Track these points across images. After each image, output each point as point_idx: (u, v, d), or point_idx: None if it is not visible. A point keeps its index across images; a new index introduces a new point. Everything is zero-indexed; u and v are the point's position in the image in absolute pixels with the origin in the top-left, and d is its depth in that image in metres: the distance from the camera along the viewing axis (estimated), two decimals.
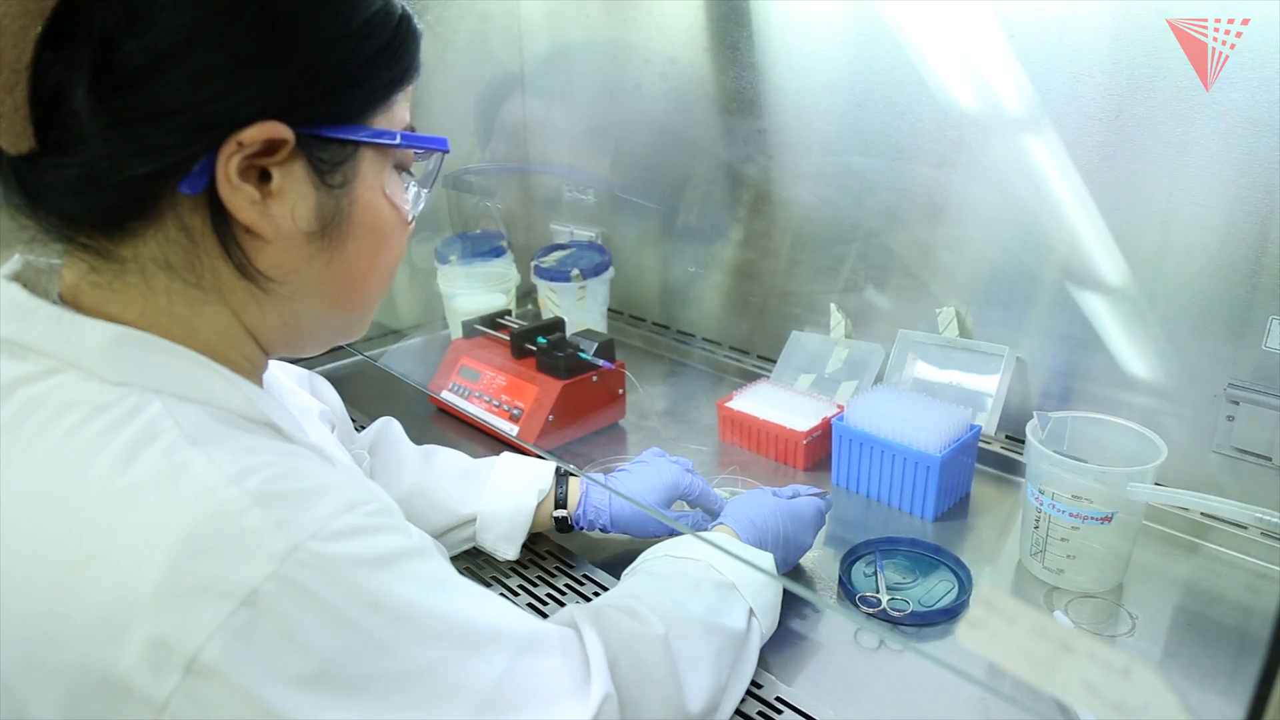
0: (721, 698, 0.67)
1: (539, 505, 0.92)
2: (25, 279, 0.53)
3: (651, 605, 0.65)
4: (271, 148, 0.49)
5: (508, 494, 0.92)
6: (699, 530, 0.94)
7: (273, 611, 0.43)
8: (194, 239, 0.50)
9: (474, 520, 0.92)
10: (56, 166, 0.48)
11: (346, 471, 0.59)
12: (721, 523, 0.84)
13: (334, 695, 0.44)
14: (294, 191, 0.51)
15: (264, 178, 0.50)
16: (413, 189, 0.60)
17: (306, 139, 0.51)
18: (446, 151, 0.60)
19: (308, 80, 0.50)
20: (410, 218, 0.60)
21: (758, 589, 0.75)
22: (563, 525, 0.94)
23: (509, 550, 0.92)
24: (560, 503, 0.94)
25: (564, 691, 0.55)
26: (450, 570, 0.54)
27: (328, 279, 0.55)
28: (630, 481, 0.94)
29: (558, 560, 0.95)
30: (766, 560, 0.78)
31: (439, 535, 0.92)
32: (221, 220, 0.50)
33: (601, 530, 0.94)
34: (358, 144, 0.53)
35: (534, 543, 0.98)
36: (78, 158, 0.47)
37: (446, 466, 0.95)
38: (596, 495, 0.94)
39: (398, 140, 0.55)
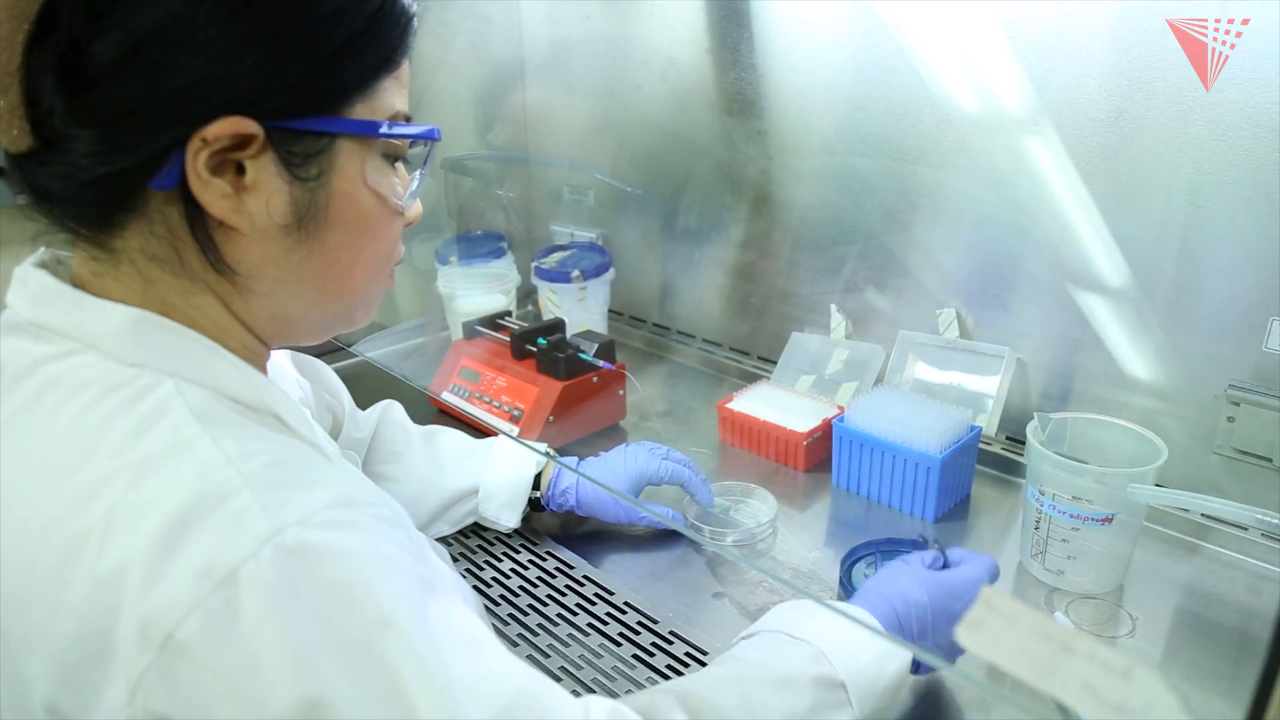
0: None
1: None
2: (50, 268, 0.54)
3: (703, 707, 0.57)
4: (242, 142, 0.49)
5: (508, 466, 0.96)
6: (673, 520, 0.98)
7: (251, 595, 0.42)
8: (174, 232, 0.51)
9: (476, 492, 0.96)
10: (45, 164, 0.49)
11: (348, 473, 0.59)
12: (864, 602, 0.69)
13: (305, 690, 0.42)
14: (267, 185, 0.51)
15: (240, 171, 0.50)
16: (408, 177, 0.59)
17: (277, 132, 0.50)
18: (437, 140, 0.58)
19: (271, 73, 0.49)
20: (401, 208, 0.58)
21: (872, 694, 0.62)
22: (535, 505, 0.98)
23: (511, 519, 0.96)
24: (536, 484, 0.98)
25: None
26: (463, 612, 0.51)
27: (309, 271, 0.55)
28: (598, 467, 0.98)
29: (558, 561, 0.95)
30: (900, 658, 0.65)
31: (444, 510, 0.96)
32: (196, 214, 0.50)
33: (572, 511, 0.98)
34: (333, 135, 0.52)
35: (535, 543, 0.98)
36: (63, 156, 0.49)
37: (448, 445, 0.99)
38: (566, 477, 0.97)
39: (377, 131, 0.54)
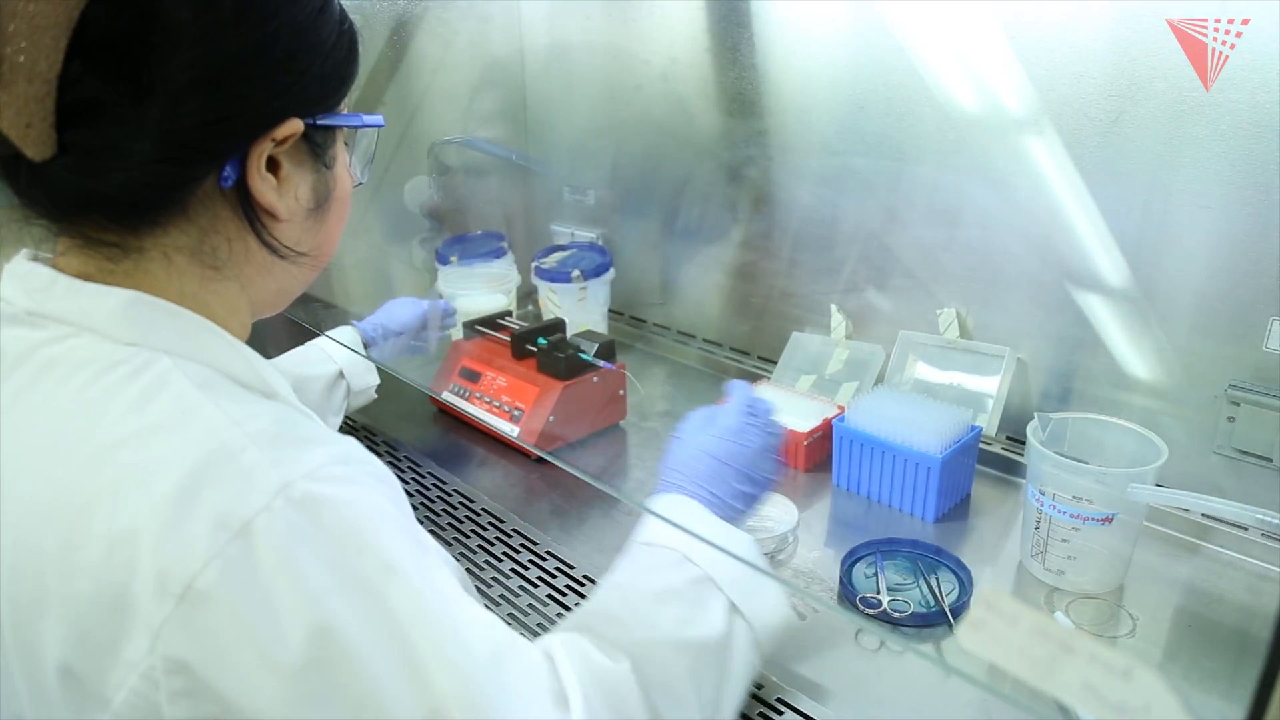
0: (714, 710, 0.64)
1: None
2: (42, 261, 0.57)
3: (617, 633, 0.62)
4: (283, 140, 0.56)
5: (337, 347, 1.14)
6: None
7: (266, 543, 0.45)
8: (219, 226, 0.57)
9: (342, 374, 1.12)
10: (94, 171, 0.51)
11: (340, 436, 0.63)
12: (673, 490, 0.75)
13: (319, 631, 0.45)
14: (297, 175, 0.59)
15: (271, 165, 0.57)
16: (360, 157, 0.69)
17: (309, 129, 0.58)
18: (383, 127, 0.69)
19: (317, 80, 0.58)
20: (359, 183, 0.69)
21: (739, 577, 0.68)
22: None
23: (373, 375, 1.16)
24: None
25: (545, 699, 0.54)
26: (445, 571, 0.54)
27: (316, 245, 0.64)
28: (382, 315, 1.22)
29: (558, 561, 0.95)
30: (745, 542, 0.71)
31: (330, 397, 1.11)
32: (248, 206, 0.57)
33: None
34: (337, 128, 0.62)
35: (535, 543, 0.98)
36: (127, 164, 0.51)
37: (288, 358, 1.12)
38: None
39: (363, 121, 0.64)
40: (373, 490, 0.51)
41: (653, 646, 0.62)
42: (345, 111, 0.63)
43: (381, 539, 0.49)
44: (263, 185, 0.56)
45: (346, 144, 0.66)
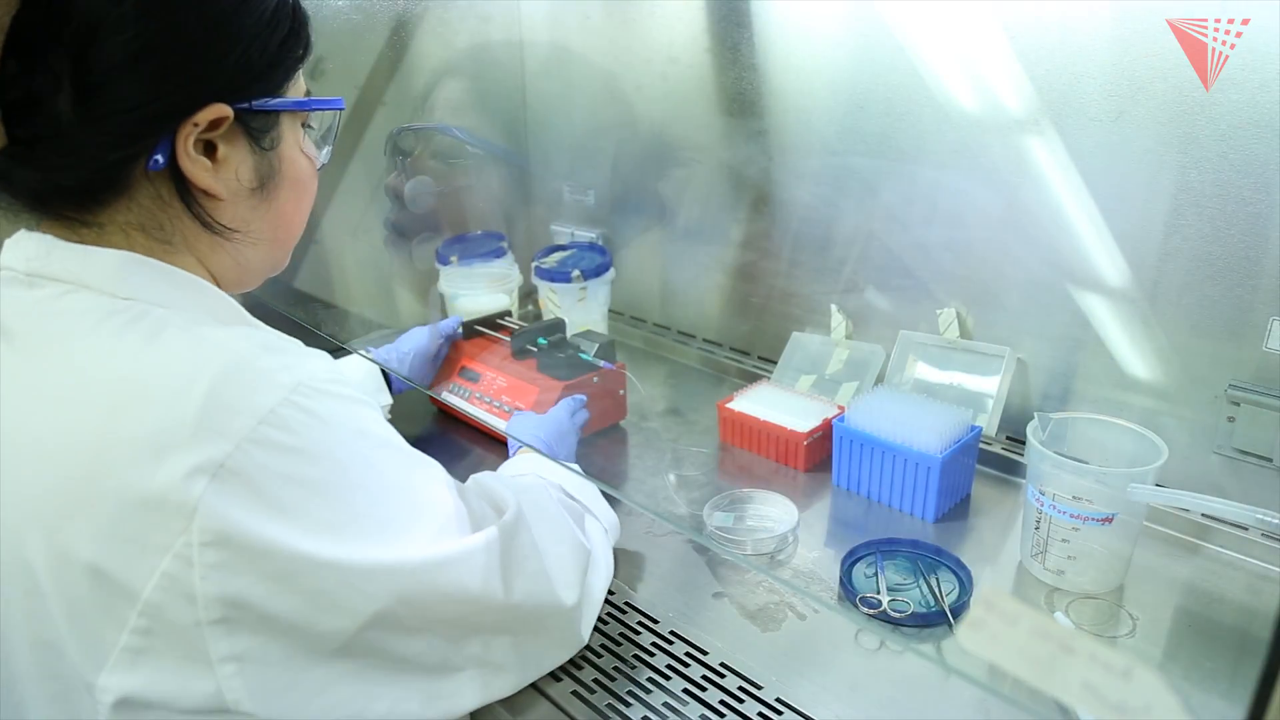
0: (580, 529, 0.78)
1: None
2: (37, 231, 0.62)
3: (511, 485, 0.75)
4: (215, 124, 0.60)
5: (356, 360, 1.18)
6: None
7: (286, 428, 0.54)
8: (157, 204, 0.61)
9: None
10: (37, 159, 0.57)
11: None
12: (525, 445, 0.99)
13: (330, 497, 0.55)
14: (235, 157, 0.63)
15: (208, 149, 0.61)
16: (317, 139, 0.72)
17: (242, 113, 0.61)
18: (342, 109, 0.72)
19: (240, 68, 0.61)
20: (319, 165, 0.72)
21: (583, 488, 0.89)
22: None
23: (385, 396, 1.17)
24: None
25: (490, 519, 0.68)
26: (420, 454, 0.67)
27: (269, 225, 0.68)
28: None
29: None
30: (585, 481, 0.92)
31: None
32: (183, 187, 0.61)
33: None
34: (279, 112, 0.65)
35: None
36: (60, 150, 0.56)
37: None
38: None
39: (310, 105, 0.67)
40: (353, 389, 0.61)
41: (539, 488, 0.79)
42: (299, 94, 0.66)
43: (369, 424, 0.60)
44: (194, 167, 0.60)
45: (308, 125, 0.69)
